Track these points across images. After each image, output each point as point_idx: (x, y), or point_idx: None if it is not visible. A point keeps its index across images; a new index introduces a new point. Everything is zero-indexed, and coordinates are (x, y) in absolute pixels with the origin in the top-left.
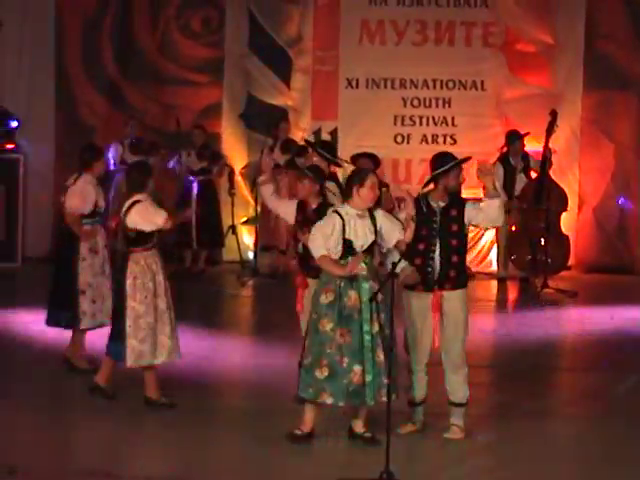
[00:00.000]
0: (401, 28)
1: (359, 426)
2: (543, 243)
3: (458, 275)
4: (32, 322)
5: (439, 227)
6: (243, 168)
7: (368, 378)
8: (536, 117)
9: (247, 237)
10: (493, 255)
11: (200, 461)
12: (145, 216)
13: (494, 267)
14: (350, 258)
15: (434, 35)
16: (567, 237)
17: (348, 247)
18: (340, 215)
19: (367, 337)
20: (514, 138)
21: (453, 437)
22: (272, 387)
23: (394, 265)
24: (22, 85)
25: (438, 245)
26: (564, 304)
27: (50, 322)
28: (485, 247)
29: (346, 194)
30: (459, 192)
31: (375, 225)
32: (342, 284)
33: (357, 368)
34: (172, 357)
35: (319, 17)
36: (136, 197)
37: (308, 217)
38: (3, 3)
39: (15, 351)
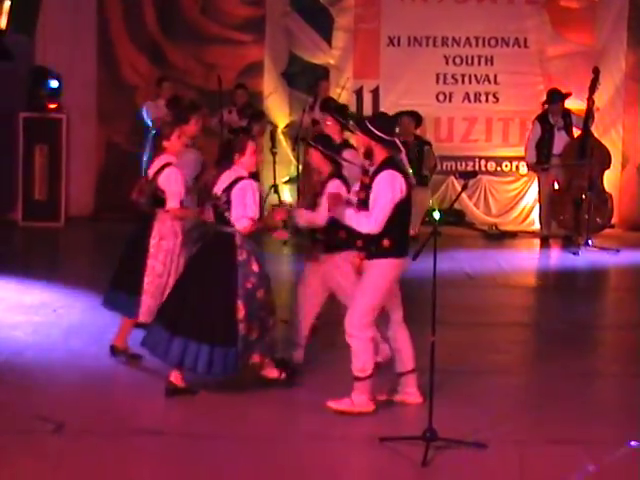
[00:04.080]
0: None
1: None
2: (585, 201)
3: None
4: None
5: None
6: (285, 127)
7: None
8: (579, 74)
9: (289, 196)
10: (535, 214)
11: (239, 418)
12: (169, 185)
13: (537, 226)
14: None
15: None
16: (610, 195)
17: None
18: None
19: None
20: (555, 98)
21: (332, 406)
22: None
23: (435, 226)
24: (64, 45)
25: None
26: (607, 262)
27: None
28: (527, 206)
29: None
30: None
31: None
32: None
33: None
34: None
35: None
36: (167, 159)
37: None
38: None
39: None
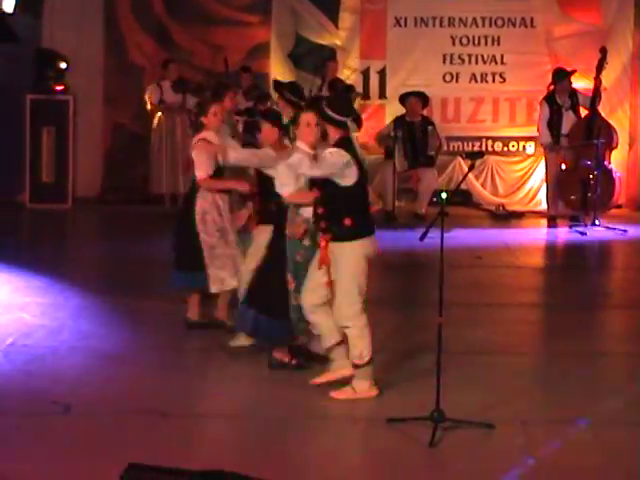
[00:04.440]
0: None
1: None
2: (593, 180)
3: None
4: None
5: None
6: None
7: None
8: (586, 54)
9: None
10: (542, 194)
11: (246, 399)
12: (195, 157)
13: (544, 206)
14: None
15: None
16: (617, 174)
17: None
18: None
19: None
20: (561, 76)
21: (335, 396)
22: None
23: (442, 205)
24: (71, 27)
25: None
26: (614, 241)
27: None
28: (534, 186)
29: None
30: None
31: None
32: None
33: None
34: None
35: None
36: (202, 134)
37: None
38: None
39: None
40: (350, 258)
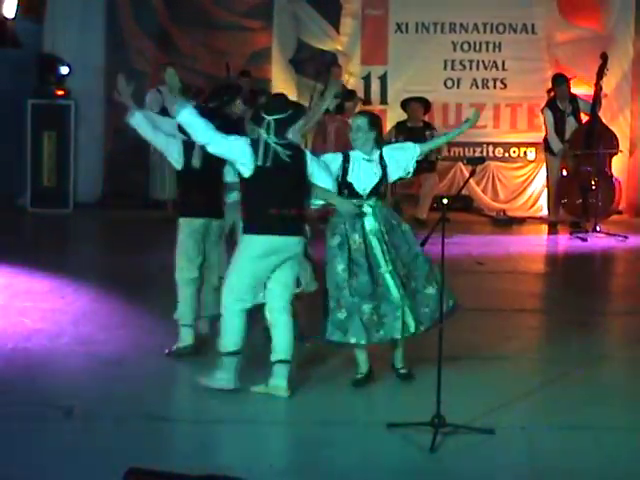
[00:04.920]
0: None
1: (397, 361)
2: (594, 187)
3: None
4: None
5: None
6: None
7: (385, 316)
8: (587, 60)
9: None
10: (543, 200)
11: (245, 403)
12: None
13: (545, 212)
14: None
15: None
16: (618, 181)
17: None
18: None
19: (380, 277)
20: (560, 81)
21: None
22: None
23: (443, 210)
24: (73, 32)
25: None
26: (615, 248)
27: None
28: (535, 192)
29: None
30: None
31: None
32: (347, 227)
33: (366, 307)
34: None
35: None
36: None
37: None
38: None
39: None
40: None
